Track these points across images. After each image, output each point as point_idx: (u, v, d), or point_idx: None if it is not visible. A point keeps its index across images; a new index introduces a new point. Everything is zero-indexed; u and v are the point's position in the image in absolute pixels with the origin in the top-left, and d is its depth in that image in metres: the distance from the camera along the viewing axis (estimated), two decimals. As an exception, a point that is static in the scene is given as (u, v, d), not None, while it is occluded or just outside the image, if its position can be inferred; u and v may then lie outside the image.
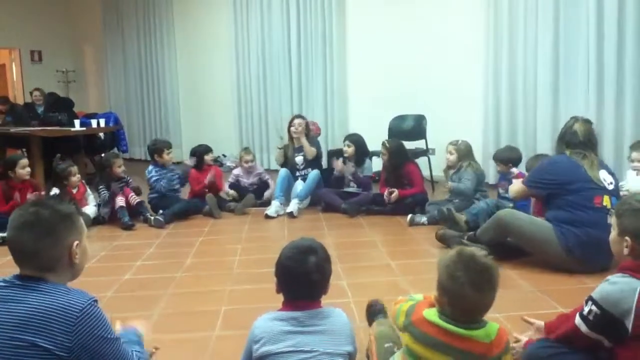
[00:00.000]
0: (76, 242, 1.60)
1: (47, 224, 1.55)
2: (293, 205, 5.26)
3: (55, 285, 1.53)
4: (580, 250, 3.26)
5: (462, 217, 4.41)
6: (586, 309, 1.80)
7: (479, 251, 1.73)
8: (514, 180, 4.07)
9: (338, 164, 5.50)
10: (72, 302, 1.48)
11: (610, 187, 3.37)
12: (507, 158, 4.61)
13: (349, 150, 5.52)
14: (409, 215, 4.82)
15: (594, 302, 1.78)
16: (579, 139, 3.44)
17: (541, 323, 2.16)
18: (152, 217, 5.04)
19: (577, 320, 1.83)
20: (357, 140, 5.56)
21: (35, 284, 1.52)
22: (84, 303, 1.49)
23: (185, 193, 5.69)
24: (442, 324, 1.68)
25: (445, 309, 1.69)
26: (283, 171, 5.63)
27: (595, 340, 1.81)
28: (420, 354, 1.70)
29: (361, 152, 5.55)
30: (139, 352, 1.76)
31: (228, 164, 8.21)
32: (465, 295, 1.62)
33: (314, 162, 5.75)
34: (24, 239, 1.54)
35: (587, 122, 3.55)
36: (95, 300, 1.54)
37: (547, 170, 3.49)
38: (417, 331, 1.72)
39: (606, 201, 3.29)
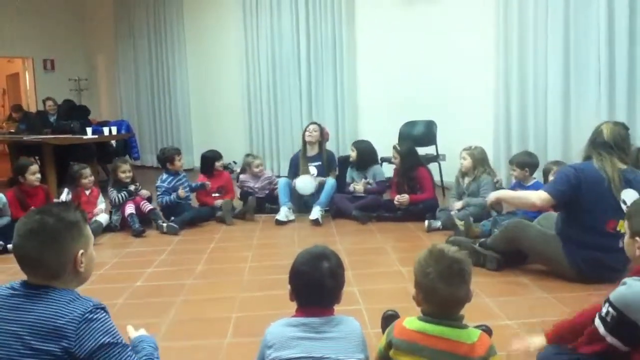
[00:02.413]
0: (81, 251, 1.59)
1: (51, 232, 1.54)
2: (316, 213, 5.22)
3: (63, 293, 1.53)
4: (590, 270, 3.19)
5: (462, 224, 4.40)
6: (604, 311, 1.80)
7: (449, 247, 1.77)
8: (535, 190, 3.59)
9: (356, 187, 5.45)
10: (75, 308, 1.49)
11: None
12: (525, 162, 4.51)
13: (352, 154, 5.55)
14: (426, 221, 4.80)
15: (611, 305, 1.77)
16: (603, 139, 3.21)
17: (538, 342, 2.12)
18: (165, 224, 5.06)
19: (596, 321, 1.82)
20: (361, 147, 5.56)
21: (43, 292, 1.52)
22: (86, 309, 1.49)
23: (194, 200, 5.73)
24: (422, 325, 1.71)
25: (423, 308, 1.76)
26: (282, 180, 5.63)
27: (610, 344, 1.78)
28: None
29: (366, 158, 5.53)
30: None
31: (239, 170, 8.21)
32: (437, 288, 1.68)
33: (328, 170, 5.70)
34: (29, 247, 1.54)
35: (618, 124, 3.34)
36: (101, 308, 1.54)
37: (570, 181, 3.19)
38: (400, 341, 1.74)
39: (620, 226, 3.00)
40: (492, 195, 3.63)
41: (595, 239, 3.14)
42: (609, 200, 3.11)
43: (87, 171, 5.18)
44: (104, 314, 1.53)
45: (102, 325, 1.50)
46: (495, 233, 3.76)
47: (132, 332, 1.88)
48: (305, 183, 5.51)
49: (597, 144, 3.24)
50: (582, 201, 3.16)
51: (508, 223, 3.66)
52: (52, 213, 1.58)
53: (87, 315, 1.48)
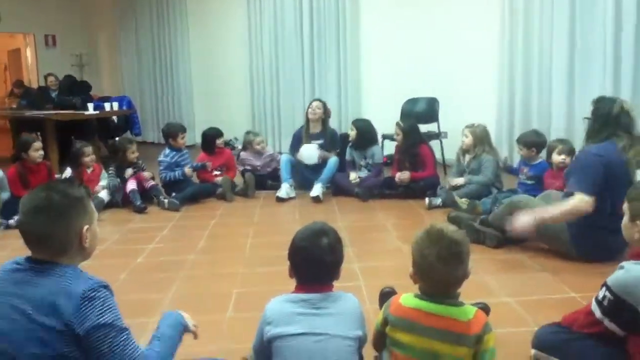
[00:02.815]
0: (86, 226, 1.60)
1: (58, 208, 1.55)
2: (318, 189, 5.23)
3: (67, 269, 1.54)
4: (594, 255, 3.16)
5: (463, 202, 4.40)
6: (600, 294, 1.80)
7: (447, 227, 1.75)
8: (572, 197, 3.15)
9: (351, 175, 5.42)
10: (78, 285, 1.49)
11: None
12: (532, 142, 4.48)
13: (352, 133, 5.51)
14: (427, 199, 4.81)
15: (608, 289, 1.77)
16: (632, 121, 3.08)
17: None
18: (167, 200, 5.07)
19: (593, 305, 1.83)
20: (361, 126, 5.52)
21: (48, 268, 1.53)
22: (89, 286, 1.50)
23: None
24: (418, 303, 1.72)
25: (421, 286, 1.76)
26: (284, 156, 5.63)
27: (607, 328, 1.79)
28: (403, 342, 1.73)
29: (365, 138, 5.49)
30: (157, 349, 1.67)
31: (240, 147, 8.21)
32: (434, 268, 1.67)
33: (330, 148, 5.66)
34: (35, 223, 1.55)
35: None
36: (103, 286, 1.53)
37: (599, 171, 3.05)
38: (396, 318, 1.76)
39: None
40: (529, 220, 3.13)
41: (612, 223, 2.80)
42: (626, 182, 2.98)
43: (89, 149, 5.17)
44: (106, 292, 1.53)
45: (102, 305, 1.49)
46: (498, 208, 3.75)
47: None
48: (310, 151, 5.50)
49: (624, 124, 3.10)
50: (607, 187, 3.04)
51: (513, 197, 3.66)
52: (57, 189, 1.59)
53: (88, 293, 1.48)
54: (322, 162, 5.51)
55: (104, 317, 1.48)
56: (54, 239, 1.55)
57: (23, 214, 1.57)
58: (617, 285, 1.75)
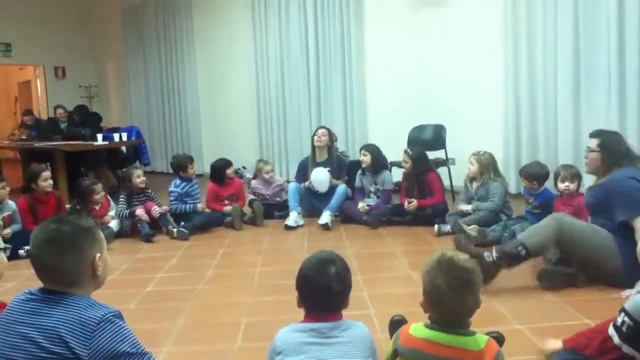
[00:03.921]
0: (98, 255, 1.61)
1: (69, 239, 1.57)
2: (326, 217, 5.22)
3: (79, 299, 1.54)
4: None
5: (472, 229, 4.36)
6: (619, 320, 1.78)
7: (458, 255, 1.73)
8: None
9: (360, 204, 5.38)
10: (90, 314, 1.50)
11: None
12: (534, 174, 4.40)
13: (365, 159, 5.49)
14: (436, 226, 4.80)
15: (627, 314, 1.75)
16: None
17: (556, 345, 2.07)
18: (175, 229, 5.08)
19: (611, 330, 1.81)
20: (374, 150, 5.53)
21: (60, 298, 1.54)
22: (102, 315, 1.50)
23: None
24: (429, 333, 1.69)
25: (431, 316, 1.73)
26: (292, 184, 5.63)
27: (626, 354, 1.77)
28: None
29: (378, 162, 5.51)
30: None
31: (248, 175, 8.23)
32: (445, 298, 1.66)
33: (338, 175, 5.67)
34: (47, 255, 1.56)
35: None
36: (115, 315, 1.53)
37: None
38: (406, 350, 1.73)
39: None
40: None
41: None
42: None
43: (99, 187, 5.12)
44: (119, 321, 1.53)
45: (117, 332, 1.49)
46: (532, 227, 3.43)
47: None
48: (321, 175, 5.51)
49: (633, 154, 3.25)
50: None
51: (554, 214, 3.42)
52: (67, 221, 1.61)
53: (101, 322, 1.49)
54: (331, 190, 5.52)
55: (122, 346, 1.48)
56: (65, 270, 1.56)
57: (34, 246, 1.59)
58: (635, 310, 1.72)
